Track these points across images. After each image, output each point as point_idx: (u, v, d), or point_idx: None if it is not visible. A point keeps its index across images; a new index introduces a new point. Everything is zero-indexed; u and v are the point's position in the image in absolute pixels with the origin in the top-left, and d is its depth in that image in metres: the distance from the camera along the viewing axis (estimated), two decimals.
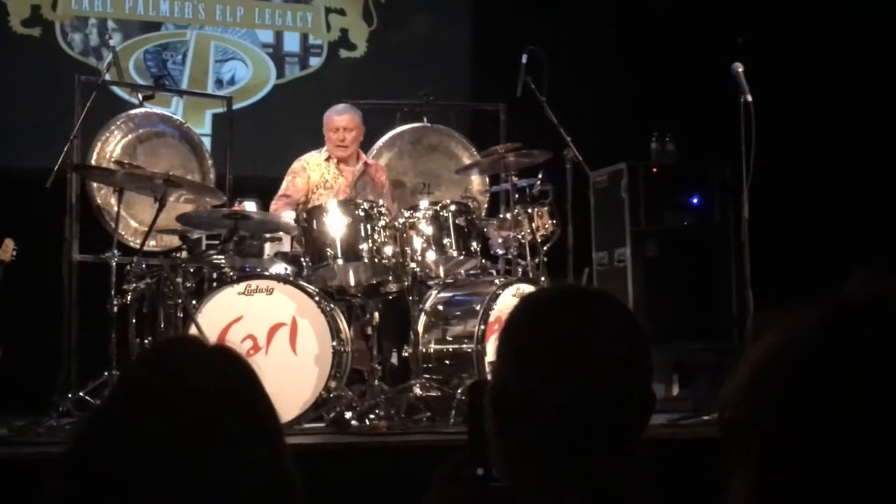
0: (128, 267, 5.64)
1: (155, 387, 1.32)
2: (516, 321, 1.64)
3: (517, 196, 6.16)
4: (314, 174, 6.66)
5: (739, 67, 5.97)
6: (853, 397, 0.81)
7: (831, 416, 0.81)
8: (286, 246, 6.18)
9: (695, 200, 7.56)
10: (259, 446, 1.34)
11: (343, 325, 5.67)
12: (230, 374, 1.37)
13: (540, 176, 6.28)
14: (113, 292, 5.49)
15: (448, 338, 5.82)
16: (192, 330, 5.30)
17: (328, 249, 5.67)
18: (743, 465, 0.85)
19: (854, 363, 0.82)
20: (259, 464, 1.33)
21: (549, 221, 6.22)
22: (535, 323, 1.61)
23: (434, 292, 5.90)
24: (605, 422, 1.53)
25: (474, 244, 5.95)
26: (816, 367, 0.83)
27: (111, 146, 6.39)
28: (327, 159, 6.70)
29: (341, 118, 6.67)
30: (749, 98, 5.83)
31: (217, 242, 5.89)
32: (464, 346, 5.71)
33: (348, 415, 5.40)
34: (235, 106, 7.62)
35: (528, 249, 6.08)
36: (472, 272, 6.08)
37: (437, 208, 5.88)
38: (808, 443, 0.82)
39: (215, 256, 5.79)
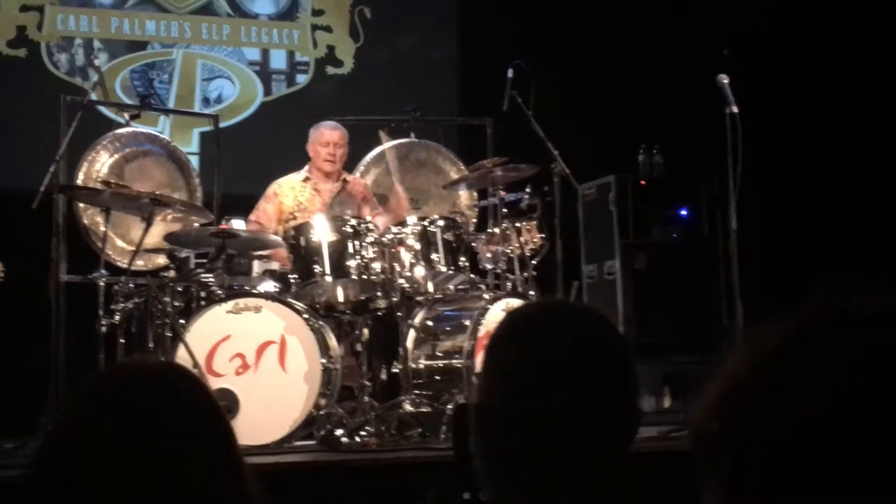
0: (116, 287, 5.63)
1: (103, 413, 1.31)
2: (500, 339, 1.63)
3: (505, 210, 6.15)
4: (287, 199, 6.68)
5: (725, 79, 5.98)
6: (821, 412, 0.81)
7: (799, 431, 0.81)
8: (275, 263, 6.17)
9: (683, 213, 7.59)
10: (213, 464, 1.33)
11: (332, 341, 5.65)
12: (180, 393, 1.36)
13: (528, 190, 6.28)
14: (101, 312, 5.47)
15: (438, 353, 5.80)
16: (181, 349, 5.28)
17: (316, 266, 5.65)
18: (714, 479, 0.85)
19: (821, 378, 0.83)
20: (215, 481, 1.32)
21: (538, 235, 6.22)
22: (518, 340, 1.60)
23: (423, 308, 5.89)
24: (591, 439, 1.52)
25: (463, 259, 5.95)
26: (784, 383, 0.83)
27: (98, 166, 6.37)
28: (305, 180, 6.71)
29: (333, 134, 6.71)
30: (735, 109, 5.84)
31: (205, 261, 5.87)
32: (454, 361, 5.70)
33: (339, 432, 5.39)
34: (223, 124, 7.60)
35: (516, 264, 6.08)
36: (460, 287, 6.07)
37: (425, 224, 5.87)
38: (778, 458, 0.82)
39: (203, 275, 5.77)
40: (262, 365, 5.46)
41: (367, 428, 5.43)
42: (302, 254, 5.72)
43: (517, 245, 6.08)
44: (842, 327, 0.85)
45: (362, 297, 5.89)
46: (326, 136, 6.71)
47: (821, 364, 0.83)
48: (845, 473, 0.80)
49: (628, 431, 1.61)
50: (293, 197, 6.69)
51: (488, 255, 6.25)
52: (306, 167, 6.80)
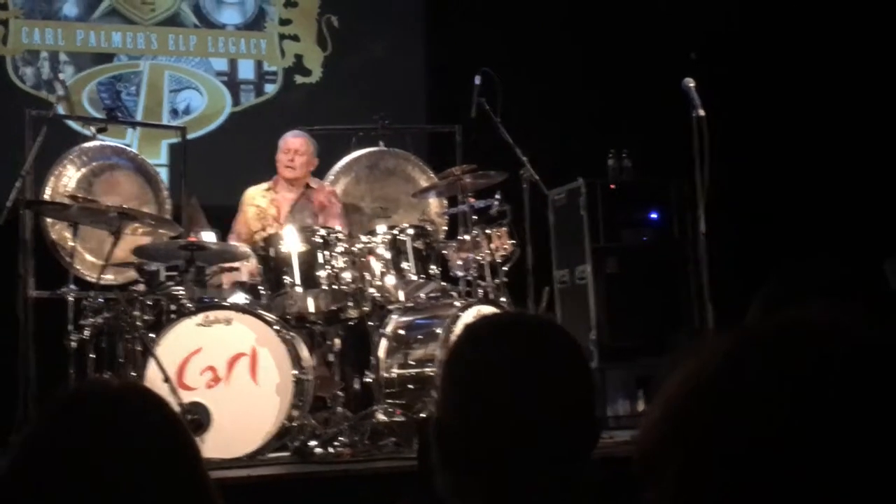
0: (85, 302, 5.60)
1: (67, 433, 1.31)
2: (456, 352, 1.63)
3: (475, 217, 6.15)
4: (251, 208, 6.72)
5: (691, 83, 5.99)
6: (762, 427, 0.81)
7: (741, 447, 0.81)
8: (244, 275, 6.14)
9: (653, 216, 7.61)
10: (177, 484, 1.33)
11: (304, 352, 5.63)
12: (142, 413, 1.36)
13: (497, 196, 6.28)
14: (71, 328, 5.44)
15: (410, 362, 5.79)
16: (152, 363, 5.26)
17: (286, 277, 5.64)
18: (658, 497, 0.85)
19: (761, 393, 0.83)
20: (179, 501, 1.32)
21: (508, 241, 6.22)
22: (476, 353, 1.60)
23: (394, 317, 5.88)
24: (549, 450, 1.52)
25: (433, 267, 5.95)
26: (725, 398, 0.84)
27: (65, 180, 6.34)
28: (268, 189, 6.76)
29: (294, 140, 6.76)
30: (701, 113, 5.86)
31: (176, 273, 5.84)
32: (426, 369, 5.69)
33: (312, 443, 5.37)
34: (192, 135, 7.59)
35: (487, 270, 6.07)
36: (432, 295, 6.06)
37: (395, 232, 5.87)
38: (721, 475, 0.82)
39: (174, 288, 5.74)
40: (233, 377, 5.44)
41: (340, 438, 5.42)
42: (272, 265, 5.71)
43: (488, 252, 6.08)
44: (782, 341, 0.85)
45: (333, 308, 5.88)
46: (288, 144, 6.76)
47: (760, 379, 0.83)
48: (789, 489, 0.80)
49: (589, 440, 1.61)
50: (256, 206, 6.72)
51: (459, 262, 6.25)
52: (274, 178, 6.81)
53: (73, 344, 5.42)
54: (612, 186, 7.57)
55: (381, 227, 5.95)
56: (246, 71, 8.76)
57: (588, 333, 7.24)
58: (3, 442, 5.31)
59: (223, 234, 6.44)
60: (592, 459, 1.61)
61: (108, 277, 5.99)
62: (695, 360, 0.87)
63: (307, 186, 6.80)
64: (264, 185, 6.82)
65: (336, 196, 6.95)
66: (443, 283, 6.11)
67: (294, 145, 6.73)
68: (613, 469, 1.57)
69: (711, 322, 5.88)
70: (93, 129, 6.69)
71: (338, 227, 6.09)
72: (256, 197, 6.77)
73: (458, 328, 5.59)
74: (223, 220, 6.74)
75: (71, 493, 1.27)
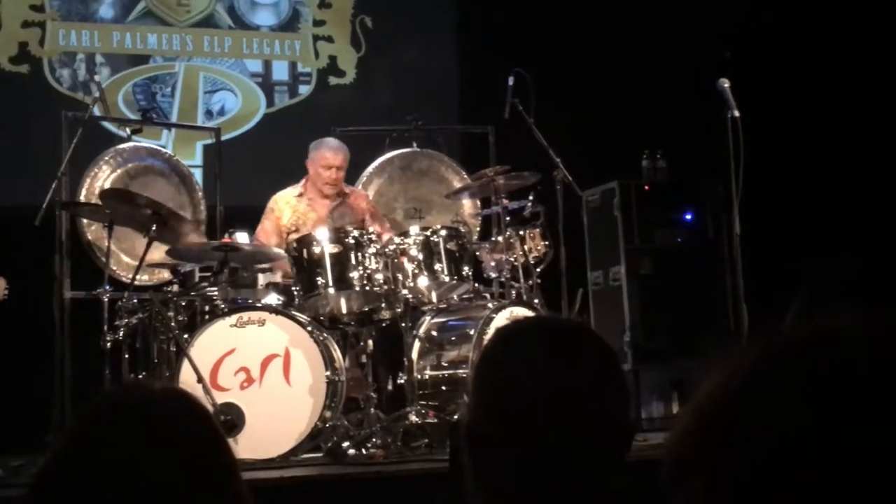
0: (119, 303, 5.62)
1: (107, 436, 1.31)
2: (489, 355, 1.62)
3: (508, 218, 6.13)
4: (284, 214, 6.62)
5: (725, 83, 5.96)
6: (790, 436, 0.80)
7: (770, 454, 0.80)
8: (278, 276, 6.15)
9: (688, 217, 7.57)
10: (214, 491, 1.32)
11: (337, 354, 5.63)
12: (183, 418, 1.36)
13: (531, 198, 6.26)
14: (105, 328, 5.46)
15: (443, 363, 5.78)
16: (185, 364, 5.28)
17: (319, 278, 5.64)
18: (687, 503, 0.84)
19: (789, 401, 0.82)
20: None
21: (542, 243, 6.20)
22: (507, 357, 1.58)
23: (427, 318, 5.87)
24: (580, 454, 1.51)
25: (466, 268, 5.92)
26: (753, 406, 0.83)
27: (100, 181, 6.38)
28: (300, 195, 6.65)
29: (336, 157, 6.59)
30: (736, 113, 5.83)
31: (210, 274, 5.86)
32: (459, 371, 5.68)
33: (345, 444, 5.37)
34: (226, 136, 7.63)
35: (521, 272, 6.05)
36: (465, 296, 6.05)
37: (428, 233, 5.85)
38: (749, 482, 0.81)
39: (208, 289, 5.76)
40: (266, 378, 5.45)
41: (373, 440, 5.41)
42: (305, 266, 5.71)
43: (521, 253, 6.06)
44: (810, 350, 0.84)
45: (366, 309, 5.89)
46: (329, 159, 6.57)
47: (789, 388, 0.82)
48: (817, 498, 0.79)
49: (621, 443, 1.59)
50: (291, 212, 6.62)
51: (492, 263, 6.24)
52: (302, 181, 6.70)
53: (108, 344, 5.44)
54: (647, 187, 7.54)
55: (413, 229, 5.93)
56: (280, 72, 8.79)
57: (622, 335, 7.21)
58: (40, 442, 5.39)
59: None
60: (625, 462, 1.60)
61: (143, 278, 6.03)
62: (724, 367, 0.86)
63: (344, 193, 6.73)
64: (295, 191, 6.68)
65: (372, 203, 6.90)
66: (476, 285, 6.10)
67: (336, 162, 6.56)
68: (647, 472, 1.55)
69: (746, 323, 5.84)
70: (128, 130, 6.73)
71: (371, 229, 6.05)
72: (291, 202, 6.67)
73: (491, 330, 5.57)
74: (256, 221, 6.75)
75: (108, 495, 1.27)
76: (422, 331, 5.82)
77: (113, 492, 1.27)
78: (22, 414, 6.24)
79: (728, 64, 7.08)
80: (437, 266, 5.80)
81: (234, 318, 5.50)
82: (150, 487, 1.28)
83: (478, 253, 6.26)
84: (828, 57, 7.94)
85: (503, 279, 6.17)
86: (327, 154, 6.61)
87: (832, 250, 7.13)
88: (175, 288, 5.85)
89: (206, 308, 5.72)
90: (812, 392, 0.81)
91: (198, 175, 7.34)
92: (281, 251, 5.93)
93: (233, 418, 5.25)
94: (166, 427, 1.33)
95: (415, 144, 7.34)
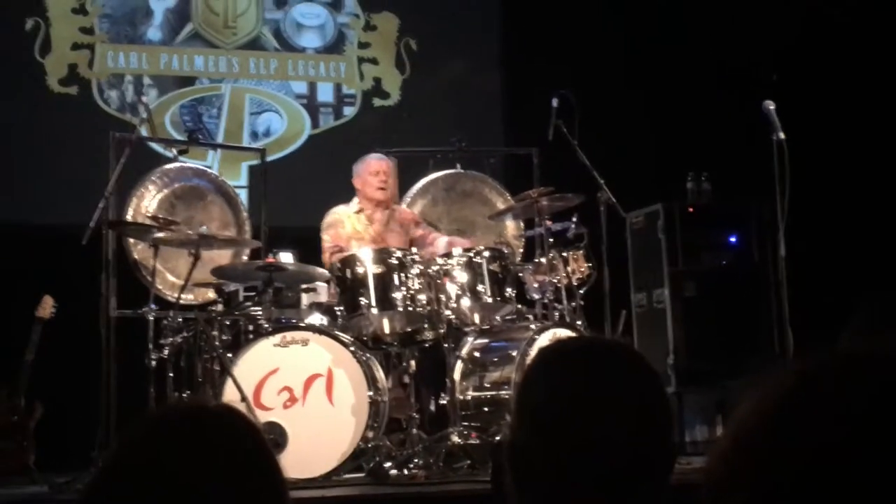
0: (164, 321, 5.67)
1: (158, 452, 1.32)
2: (532, 376, 1.62)
3: (552, 240, 6.12)
4: (346, 227, 6.66)
5: (771, 105, 5.94)
6: (828, 458, 0.80)
7: (809, 476, 0.80)
8: (323, 296, 6.17)
9: (732, 239, 7.53)
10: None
11: (379, 374, 5.64)
12: (235, 437, 1.36)
13: (574, 219, 6.25)
14: (150, 347, 5.50)
15: (486, 384, 5.78)
16: (229, 383, 5.31)
17: (362, 298, 5.65)
18: None
19: (827, 423, 0.82)
20: None
21: (585, 265, 6.18)
22: (550, 377, 1.58)
23: (470, 339, 5.87)
24: (622, 475, 1.50)
25: (509, 290, 5.92)
26: (792, 428, 0.82)
27: (146, 201, 6.44)
28: (357, 212, 6.70)
29: (381, 163, 6.69)
30: (781, 136, 5.80)
31: (254, 294, 5.90)
32: (501, 392, 5.67)
33: (387, 465, 5.38)
34: (271, 157, 7.68)
35: (564, 293, 6.04)
36: (507, 318, 6.05)
37: (471, 255, 5.86)
38: (791, 502, 0.80)
39: (252, 308, 5.79)
40: (309, 398, 5.47)
41: (415, 460, 5.42)
42: (348, 286, 5.73)
43: (564, 275, 6.05)
44: (850, 373, 0.84)
45: (409, 329, 5.89)
46: (374, 166, 6.67)
47: (827, 410, 0.82)
48: None
49: (663, 466, 1.58)
50: (351, 225, 6.66)
51: (535, 285, 6.23)
52: (355, 200, 6.75)
53: (153, 363, 5.48)
54: (691, 209, 7.50)
55: (457, 250, 5.94)
56: (325, 94, 8.84)
57: (665, 358, 7.18)
58: (86, 459, 5.44)
59: (301, 255, 6.46)
60: (669, 485, 1.59)
61: (189, 297, 6.07)
62: (763, 389, 0.86)
63: (391, 209, 6.77)
64: (352, 207, 6.72)
65: (412, 215, 6.93)
66: (519, 306, 6.09)
67: (383, 167, 6.66)
68: (690, 495, 1.55)
69: (791, 347, 5.80)
70: (174, 150, 6.80)
71: (414, 250, 6.05)
72: (350, 217, 6.69)
73: (534, 351, 5.56)
74: (300, 241, 6.78)
75: None
76: (464, 352, 5.82)
77: None
78: (68, 431, 6.30)
79: (774, 86, 7.05)
80: (481, 287, 5.80)
81: (277, 338, 5.53)
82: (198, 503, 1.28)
83: (521, 274, 6.25)
84: (875, 80, 7.89)
85: (546, 301, 6.15)
86: (372, 162, 6.70)
87: (878, 274, 7.07)
88: (219, 307, 5.89)
89: (250, 327, 5.75)
90: (853, 412, 0.81)
91: (243, 196, 7.39)
92: (325, 271, 5.95)
93: (275, 437, 5.27)
94: (217, 443, 1.34)
95: (458, 166, 7.35)
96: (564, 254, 6.11)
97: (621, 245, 7.51)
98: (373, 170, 6.66)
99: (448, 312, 5.77)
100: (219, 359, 5.51)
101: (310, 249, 6.57)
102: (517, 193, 6.63)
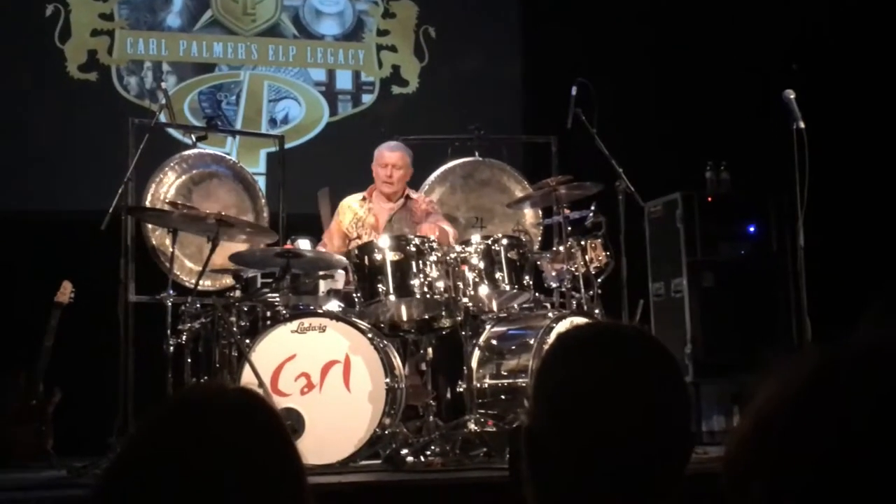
0: (182, 307, 5.69)
1: (176, 436, 1.32)
2: (549, 361, 1.61)
3: (570, 228, 6.11)
4: (346, 217, 6.72)
5: (791, 94, 5.91)
6: (847, 443, 0.80)
7: (827, 462, 0.80)
8: (340, 283, 6.18)
9: (751, 229, 7.50)
10: (283, 490, 1.33)
11: (396, 361, 5.65)
12: (255, 420, 1.36)
13: (592, 208, 6.23)
14: (168, 332, 5.52)
15: (503, 372, 5.78)
16: (246, 369, 5.32)
17: (380, 285, 5.66)
18: None
19: (846, 410, 0.81)
20: None
21: (603, 253, 6.17)
22: (567, 364, 1.57)
23: (487, 327, 5.87)
24: (639, 463, 1.50)
25: (527, 278, 5.92)
26: (811, 414, 0.82)
27: (165, 187, 6.45)
28: (363, 199, 6.75)
29: (392, 155, 6.70)
30: (801, 125, 5.77)
31: (272, 280, 5.91)
32: (518, 380, 5.67)
33: (403, 451, 5.38)
34: (289, 144, 7.69)
35: (581, 282, 6.03)
36: (525, 306, 6.04)
37: (489, 242, 5.85)
38: (808, 489, 0.80)
39: (270, 294, 5.80)
40: (326, 384, 5.48)
41: (431, 447, 5.42)
42: (366, 273, 5.73)
43: (582, 263, 6.04)
44: (868, 361, 0.84)
45: (426, 317, 5.89)
46: (385, 158, 6.70)
47: (846, 397, 0.82)
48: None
49: (680, 454, 1.57)
50: (352, 214, 6.72)
51: (553, 273, 6.23)
52: (369, 188, 6.81)
53: (171, 348, 5.50)
54: (710, 199, 7.48)
55: (475, 237, 5.93)
56: (344, 81, 8.84)
57: (683, 348, 7.16)
58: (103, 444, 5.46)
59: (319, 242, 6.50)
60: (685, 475, 1.58)
61: (206, 283, 6.08)
62: (781, 377, 0.86)
63: (407, 197, 6.79)
64: (360, 196, 6.80)
65: (435, 206, 6.93)
66: (536, 294, 6.09)
67: (392, 160, 6.68)
68: (707, 485, 1.54)
69: (809, 337, 5.77)
70: (193, 137, 6.80)
71: (432, 237, 6.03)
72: (353, 205, 6.77)
73: (551, 339, 5.55)
74: (318, 228, 6.81)
75: (176, 494, 1.27)
76: (482, 339, 5.82)
77: (179, 490, 1.27)
78: (86, 415, 6.33)
79: (794, 75, 7.01)
80: (498, 275, 5.80)
81: (295, 324, 5.54)
82: (217, 487, 1.28)
83: (539, 262, 6.25)
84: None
85: (564, 289, 6.14)
86: (385, 152, 6.73)
87: None
88: (237, 293, 5.90)
89: (268, 314, 5.76)
90: (873, 400, 0.81)
91: (261, 182, 7.40)
92: (343, 258, 5.96)
93: (293, 424, 5.28)
94: (236, 428, 1.34)
95: (477, 154, 7.35)
96: (582, 242, 6.10)
97: (639, 234, 7.49)
98: (382, 161, 6.71)
99: (465, 300, 5.76)
100: (236, 345, 5.53)
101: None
102: (535, 181, 6.62)
